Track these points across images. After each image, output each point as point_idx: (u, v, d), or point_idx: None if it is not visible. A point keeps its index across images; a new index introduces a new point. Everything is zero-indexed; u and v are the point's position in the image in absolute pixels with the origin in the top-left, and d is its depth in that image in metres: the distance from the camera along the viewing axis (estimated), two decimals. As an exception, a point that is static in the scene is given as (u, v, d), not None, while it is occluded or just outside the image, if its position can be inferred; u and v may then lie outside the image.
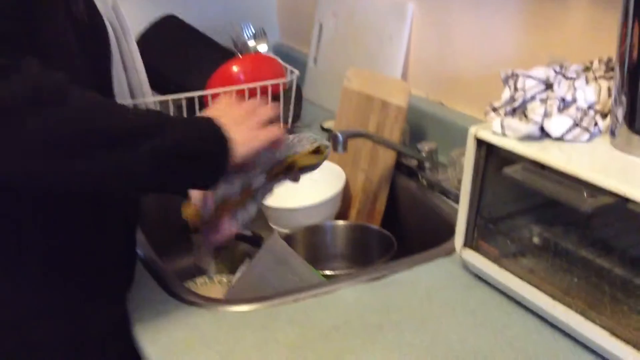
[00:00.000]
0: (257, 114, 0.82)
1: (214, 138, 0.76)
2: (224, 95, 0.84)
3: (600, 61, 0.90)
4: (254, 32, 1.63)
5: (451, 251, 0.97)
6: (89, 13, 0.82)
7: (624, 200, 0.70)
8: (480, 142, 0.87)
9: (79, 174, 0.68)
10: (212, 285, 1.15)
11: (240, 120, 0.80)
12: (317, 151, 0.90)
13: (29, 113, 0.63)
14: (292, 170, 0.88)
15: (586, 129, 0.81)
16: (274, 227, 1.24)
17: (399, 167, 1.26)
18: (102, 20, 0.88)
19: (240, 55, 1.57)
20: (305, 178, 1.27)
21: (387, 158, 1.24)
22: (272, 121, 0.83)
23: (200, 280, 1.16)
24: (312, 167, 0.90)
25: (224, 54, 1.54)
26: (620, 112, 0.78)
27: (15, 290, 0.78)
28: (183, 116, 0.78)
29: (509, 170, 0.80)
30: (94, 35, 0.85)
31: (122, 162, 0.69)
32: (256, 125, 0.81)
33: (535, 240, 0.89)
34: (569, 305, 0.78)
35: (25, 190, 0.74)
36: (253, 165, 0.83)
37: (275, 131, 0.82)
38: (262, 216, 1.25)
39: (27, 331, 0.79)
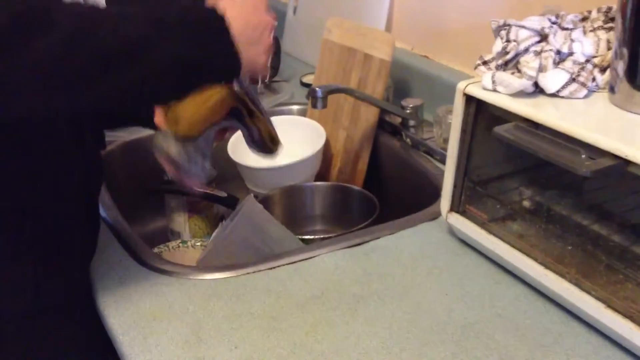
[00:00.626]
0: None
1: (220, 45, 0.68)
2: None
3: (599, 10, 0.83)
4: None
5: (437, 215, 0.92)
6: None
7: (625, 163, 0.64)
8: (469, 99, 0.81)
9: (86, 98, 0.63)
10: (185, 249, 1.09)
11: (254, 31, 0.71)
12: None
13: (18, 43, 0.58)
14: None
15: (583, 85, 0.75)
16: (250, 187, 1.18)
17: (382, 124, 1.20)
18: None
19: (215, 5, 1.48)
20: (284, 137, 1.20)
21: (369, 115, 1.17)
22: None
23: (173, 244, 1.10)
24: None
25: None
26: (620, 66, 0.72)
27: None
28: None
29: (499, 130, 0.74)
30: None
31: (127, 81, 0.63)
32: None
33: (526, 203, 0.84)
34: (562, 274, 0.73)
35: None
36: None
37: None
38: (238, 176, 1.19)
39: None
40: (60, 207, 0.78)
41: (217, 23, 0.67)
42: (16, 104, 0.62)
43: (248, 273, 0.84)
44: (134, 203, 1.17)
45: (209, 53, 0.68)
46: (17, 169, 0.73)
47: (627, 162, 0.64)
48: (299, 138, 1.22)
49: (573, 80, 0.75)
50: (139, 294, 0.81)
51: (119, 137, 1.21)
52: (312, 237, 1.01)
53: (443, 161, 1.01)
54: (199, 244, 1.11)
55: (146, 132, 1.23)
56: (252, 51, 0.71)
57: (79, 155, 0.81)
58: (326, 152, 1.21)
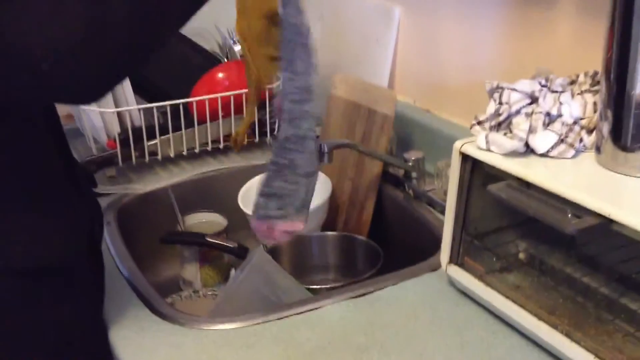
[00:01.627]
0: None
1: None
2: None
3: (586, 75, 0.89)
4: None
5: (437, 266, 0.96)
6: None
7: (609, 222, 0.69)
8: (465, 157, 0.86)
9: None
10: (196, 299, 1.13)
11: None
12: None
13: None
14: None
15: (571, 145, 0.80)
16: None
17: (386, 176, 1.25)
18: None
19: (226, 60, 1.55)
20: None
21: (373, 167, 1.23)
22: None
23: (185, 294, 1.15)
24: None
25: (210, 59, 1.52)
26: (605, 128, 0.77)
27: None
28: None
29: (493, 188, 0.79)
30: None
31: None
32: None
33: (521, 256, 0.88)
34: (554, 326, 0.77)
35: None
36: None
37: None
38: (247, 226, 1.24)
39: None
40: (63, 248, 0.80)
41: None
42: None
43: (258, 323, 0.88)
44: (148, 253, 1.22)
45: None
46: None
47: (611, 221, 0.68)
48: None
49: (561, 141, 0.80)
50: (155, 344, 0.85)
51: (135, 189, 1.26)
52: (318, 287, 1.05)
53: (443, 212, 1.05)
54: (210, 293, 1.16)
55: (160, 185, 1.29)
56: None
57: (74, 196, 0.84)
58: (332, 202, 1.26)
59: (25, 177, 0.76)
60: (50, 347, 0.81)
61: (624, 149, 0.75)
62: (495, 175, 0.82)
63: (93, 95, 0.68)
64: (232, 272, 1.19)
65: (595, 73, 0.88)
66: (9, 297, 0.76)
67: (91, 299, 0.87)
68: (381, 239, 1.17)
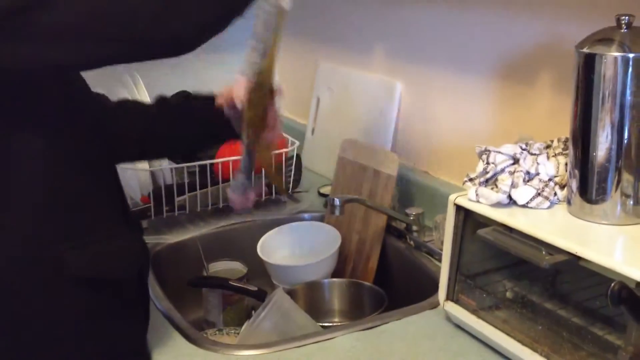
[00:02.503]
0: None
1: None
2: None
3: (559, 140, 1.05)
4: (257, 105, 1.79)
5: (436, 304, 1.10)
6: None
7: (576, 258, 0.84)
8: (458, 208, 1.01)
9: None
10: (221, 336, 1.26)
11: None
12: None
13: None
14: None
15: (547, 198, 0.96)
16: (276, 283, 1.36)
17: (390, 229, 1.40)
18: None
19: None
20: (305, 239, 1.41)
21: (378, 221, 1.38)
22: None
23: (210, 331, 1.28)
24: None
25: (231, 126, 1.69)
26: (574, 184, 0.93)
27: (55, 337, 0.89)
28: None
29: (482, 232, 0.94)
30: None
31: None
32: None
33: (508, 294, 1.02)
34: (536, 350, 0.90)
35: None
36: None
37: None
38: (266, 273, 1.38)
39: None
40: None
41: None
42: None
43: (280, 350, 1.01)
44: (176, 296, 1.36)
45: None
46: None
47: (578, 258, 0.84)
48: (318, 240, 1.42)
49: (539, 194, 0.96)
50: (191, 367, 0.99)
51: (165, 239, 1.41)
52: (330, 324, 1.18)
53: (441, 260, 1.21)
54: (232, 331, 1.29)
55: (188, 235, 1.44)
56: None
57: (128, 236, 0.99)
58: (341, 252, 1.40)
59: (106, 203, 0.93)
60: (100, 355, 0.93)
61: (590, 201, 0.91)
62: (484, 222, 0.97)
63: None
64: (253, 313, 1.32)
65: (567, 139, 1.05)
66: (73, 305, 0.89)
67: (140, 321, 1.01)
68: (385, 285, 1.31)
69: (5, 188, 0.85)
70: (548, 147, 1.05)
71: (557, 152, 1.02)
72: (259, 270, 1.38)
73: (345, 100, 1.71)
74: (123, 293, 0.95)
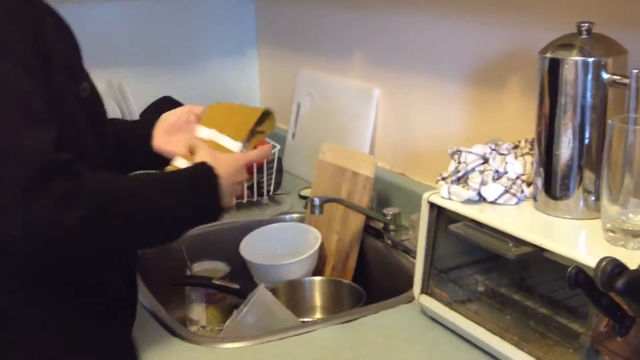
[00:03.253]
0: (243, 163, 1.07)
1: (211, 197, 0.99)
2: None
3: (526, 141, 1.11)
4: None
5: (411, 299, 1.15)
6: (91, 91, 0.99)
7: (540, 250, 0.89)
8: (432, 205, 1.06)
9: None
10: (204, 332, 1.30)
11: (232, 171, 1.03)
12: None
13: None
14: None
15: (514, 195, 1.01)
16: (258, 282, 1.40)
17: (368, 229, 1.44)
18: (99, 96, 1.05)
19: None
20: (286, 239, 1.46)
21: (357, 221, 1.43)
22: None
23: (193, 328, 1.31)
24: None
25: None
26: (539, 182, 0.98)
27: (36, 328, 0.92)
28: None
29: (453, 227, 1.00)
30: (95, 109, 1.02)
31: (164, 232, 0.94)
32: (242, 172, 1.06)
33: (480, 288, 1.07)
34: (505, 339, 0.95)
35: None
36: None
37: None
38: (248, 273, 1.42)
39: None
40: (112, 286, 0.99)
41: (214, 185, 0.98)
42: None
43: (262, 342, 1.05)
44: (160, 295, 1.39)
45: (205, 211, 0.99)
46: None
47: (542, 250, 0.89)
48: (298, 240, 1.46)
49: (507, 191, 1.01)
50: (175, 359, 1.02)
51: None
52: (311, 319, 1.23)
53: (417, 257, 1.26)
54: (216, 329, 1.33)
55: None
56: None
57: None
58: (321, 252, 1.45)
59: None
60: (85, 352, 0.96)
61: (554, 197, 0.97)
62: (455, 218, 1.02)
63: None
64: (235, 311, 1.36)
65: (533, 139, 1.10)
66: (60, 305, 0.93)
67: (125, 320, 1.05)
68: (364, 282, 1.36)
69: None
70: (516, 147, 1.11)
71: (524, 152, 1.08)
72: (241, 269, 1.42)
73: (325, 106, 1.76)
74: (111, 294, 0.99)
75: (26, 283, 0.90)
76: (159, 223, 0.92)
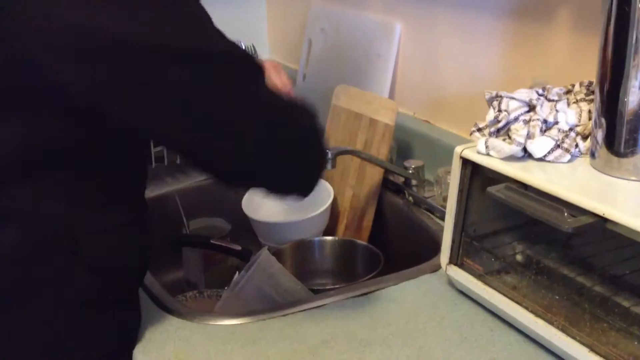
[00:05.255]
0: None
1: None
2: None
3: (581, 84, 0.93)
4: (244, 48, 1.66)
5: (437, 268, 1.00)
6: None
7: (603, 220, 0.73)
8: (465, 162, 0.90)
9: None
10: (202, 299, 1.16)
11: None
12: None
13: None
14: None
15: (567, 150, 0.84)
16: (262, 242, 1.26)
17: (386, 183, 1.29)
18: None
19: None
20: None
21: (374, 175, 1.27)
22: None
23: (190, 294, 1.18)
24: None
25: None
26: (599, 134, 0.81)
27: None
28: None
29: (492, 190, 0.83)
30: None
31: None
32: None
33: (519, 257, 0.92)
34: (550, 322, 0.80)
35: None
36: None
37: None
38: (251, 230, 1.27)
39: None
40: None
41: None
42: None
43: (263, 319, 0.91)
44: (153, 255, 1.25)
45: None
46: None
47: (605, 220, 0.72)
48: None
49: (558, 146, 0.84)
50: (164, 339, 0.88)
51: (141, 193, 1.30)
52: (321, 288, 1.08)
53: (443, 218, 1.09)
54: (214, 294, 1.19)
55: (167, 189, 1.32)
56: None
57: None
58: (334, 209, 1.30)
59: (130, 199, 0.86)
60: (105, 344, 0.84)
61: (617, 154, 0.79)
62: (494, 178, 0.86)
63: None
64: (236, 274, 1.22)
65: (590, 83, 0.92)
66: (94, 293, 0.81)
67: (137, 303, 0.92)
68: (381, 244, 1.21)
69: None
70: (568, 92, 0.93)
71: (579, 97, 0.90)
72: (244, 228, 1.28)
73: (340, 43, 1.57)
74: (128, 281, 0.88)
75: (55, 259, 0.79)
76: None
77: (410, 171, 1.23)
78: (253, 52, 1.65)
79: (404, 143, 1.35)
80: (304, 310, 0.93)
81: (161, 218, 1.29)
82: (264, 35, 1.96)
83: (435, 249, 1.03)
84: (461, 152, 0.90)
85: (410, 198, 1.24)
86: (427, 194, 1.22)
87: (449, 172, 1.05)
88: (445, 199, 1.14)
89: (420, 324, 0.89)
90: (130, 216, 0.84)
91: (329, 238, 1.26)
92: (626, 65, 0.76)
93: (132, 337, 0.88)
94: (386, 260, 1.14)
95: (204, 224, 1.31)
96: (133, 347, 0.87)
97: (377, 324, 0.89)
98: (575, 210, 0.75)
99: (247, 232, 1.28)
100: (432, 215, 1.19)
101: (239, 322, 0.91)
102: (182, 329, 0.90)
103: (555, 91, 0.91)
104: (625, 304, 0.78)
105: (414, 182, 1.24)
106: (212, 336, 0.88)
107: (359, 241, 1.23)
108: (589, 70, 0.85)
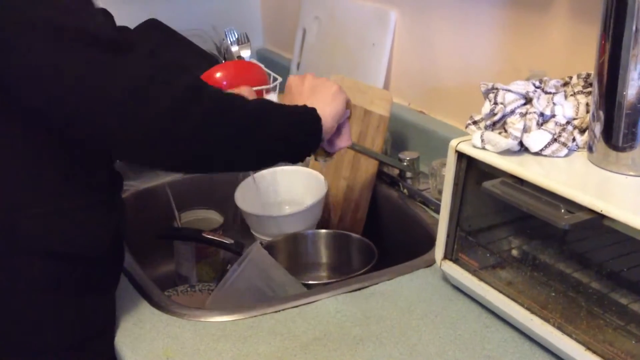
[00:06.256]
0: (325, 86, 0.96)
1: (313, 122, 0.89)
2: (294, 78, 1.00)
3: (579, 76, 0.91)
4: (237, 37, 1.63)
5: (431, 262, 0.98)
6: None
7: (601, 217, 0.71)
8: (460, 155, 0.88)
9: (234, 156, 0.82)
10: (192, 293, 1.15)
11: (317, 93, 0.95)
12: None
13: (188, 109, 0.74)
14: None
15: (564, 144, 0.82)
16: (255, 234, 1.24)
17: (381, 175, 1.27)
18: None
19: (223, 61, 1.57)
20: (288, 186, 1.28)
21: (369, 166, 1.25)
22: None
23: (181, 288, 1.16)
24: None
25: (207, 59, 1.53)
26: (597, 128, 0.79)
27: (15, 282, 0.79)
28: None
29: (488, 185, 0.81)
30: None
31: (255, 139, 0.82)
32: (329, 97, 0.94)
33: (514, 252, 0.90)
34: (546, 319, 0.79)
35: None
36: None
37: (343, 97, 0.96)
38: (244, 224, 1.26)
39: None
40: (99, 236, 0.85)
41: (313, 115, 0.89)
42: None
43: (255, 316, 0.89)
44: (144, 248, 1.23)
45: (305, 134, 0.88)
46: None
47: (602, 216, 0.71)
48: (301, 188, 1.29)
49: (555, 140, 0.82)
50: (153, 335, 0.87)
51: (131, 185, 1.28)
52: (314, 282, 1.06)
53: (438, 211, 1.08)
54: (205, 288, 1.17)
55: (157, 181, 1.30)
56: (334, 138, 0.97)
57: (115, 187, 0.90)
58: (327, 201, 1.28)
59: (82, 183, 0.82)
60: (65, 332, 0.83)
61: (615, 148, 0.77)
62: (490, 173, 0.84)
63: None
64: (229, 268, 1.20)
65: (588, 75, 0.90)
66: (41, 279, 0.79)
67: (109, 292, 0.90)
68: (375, 238, 1.19)
69: None
70: (566, 84, 0.91)
71: (576, 90, 0.88)
72: (237, 220, 1.25)
73: (334, 32, 1.55)
74: (89, 269, 0.85)
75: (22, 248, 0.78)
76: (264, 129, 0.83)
77: (405, 163, 1.21)
78: (245, 41, 1.62)
79: (399, 134, 1.33)
80: (296, 306, 0.91)
81: (152, 210, 1.28)
82: (258, 23, 1.93)
83: (430, 243, 1.01)
84: (456, 146, 0.88)
85: (405, 190, 1.22)
86: (422, 187, 1.20)
87: (444, 165, 1.03)
88: (440, 192, 1.12)
89: (414, 320, 0.88)
90: (77, 202, 0.81)
91: (323, 231, 1.24)
92: (623, 56, 0.74)
93: (99, 327, 0.86)
94: (380, 253, 1.12)
95: (195, 216, 1.28)
96: (101, 339, 0.86)
97: (371, 321, 0.88)
98: (572, 206, 0.73)
99: (240, 225, 1.27)
100: (426, 209, 1.17)
101: (229, 319, 0.89)
102: (171, 326, 0.88)
103: (552, 83, 0.89)
104: (623, 301, 0.76)
105: (408, 174, 1.22)
106: (202, 333, 0.87)
107: (353, 234, 1.21)
108: (587, 61, 0.83)
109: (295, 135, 0.87)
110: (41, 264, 0.79)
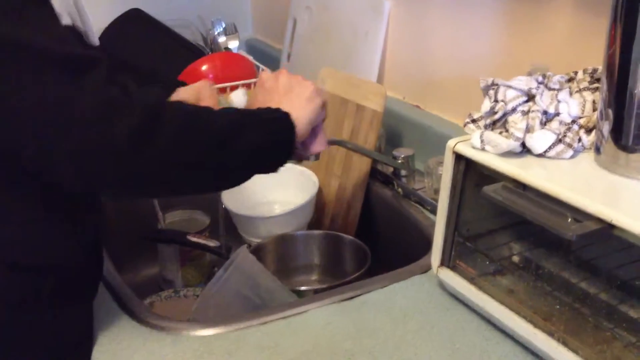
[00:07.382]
0: (301, 86, 0.90)
1: (286, 130, 0.83)
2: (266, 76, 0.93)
3: (585, 71, 0.85)
4: (224, 27, 1.57)
5: (427, 268, 0.93)
6: None
7: (610, 227, 0.65)
8: (458, 157, 0.82)
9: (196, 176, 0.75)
10: (177, 299, 1.09)
11: (291, 94, 0.88)
12: None
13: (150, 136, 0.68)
14: None
15: (570, 145, 0.76)
16: (243, 235, 1.19)
17: (374, 173, 1.21)
18: None
19: (209, 52, 1.51)
20: (277, 185, 1.22)
21: (362, 164, 1.19)
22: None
23: (165, 294, 1.10)
24: None
25: (193, 51, 1.48)
26: (606, 127, 0.73)
27: None
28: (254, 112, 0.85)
29: (488, 190, 0.75)
30: None
31: (223, 160, 0.76)
32: (304, 100, 0.87)
33: (515, 259, 0.85)
34: (550, 333, 0.74)
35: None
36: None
37: (319, 99, 0.89)
38: (231, 224, 1.20)
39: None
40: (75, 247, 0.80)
41: (287, 122, 0.83)
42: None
43: (240, 328, 0.84)
44: (127, 251, 1.18)
45: (277, 144, 0.82)
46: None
47: (612, 226, 0.65)
48: (292, 186, 1.23)
49: (559, 141, 0.77)
50: (131, 351, 0.81)
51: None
52: (304, 288, 1.01)
53: (434, 211, 1.03)
54: (191, 293, 1.12)
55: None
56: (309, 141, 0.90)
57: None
58: (319, 200, 1.22)
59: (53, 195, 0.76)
60: (39, 347, 0.78)
61: (625, 149, 0.72)
62: (490, 176, 0.78)
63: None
64: (215, 270, 1.15)
65: (595, 70, 0.85)
66: (8, 292, 0.74)
67: (85, 304, 0.84)
68: (369, 239, 1.14)
69: None
70: (571, 80, 0.85)
71: (582, 86, 0.83)
72: (224, 221, 1.20)
73: (326, 20, 1.49)
74: (64, 279, 0.79)
75: None
76: (220, 145, 0.75)
77: (400, 161, 1.15)
78: (233, 31, 1.55)
79: (393, 129, 1.27)
80: (284, 317, 0.86)
81: (134, 210, 1.22)
82: (248, 13, 1.86)
83: (426, 244, 0.96)
84: (454, 147, 0.82)
85: (400, 190, 1.16)
86: (417, 185, 1.15)
87: (440, 163, 0.98)
88: (436, 191, 1.07)
89: (409, 333, 0.82)
90: (43, 213, 0.75)
91: (314, 232, 1.18)
92: (635, 50, 0.68)
93: (74, 344, 0.81)
94: (374, 255, 1.07)
95: (181, 217, 1.23)
96: (76, 356, 0.81)
97: (363, 334, 0.83)
98: (580, 214, 0.67)
99: (227, 227, 1.21)
100: (422, 209, 1.12)
101: (213, 333, 0.83)
102: (151, 341, 0.83)
103: (556, 79, 0.83)
104: (633, 314, 0.71)
105: (403, 172, 1.16)
106: (183, 348, 0.81)
107: (345, 235, 1.16)
108: (594, 55, 0.77)
109: (268, 149, 0.81)
110: (4, 275, 0.73)
